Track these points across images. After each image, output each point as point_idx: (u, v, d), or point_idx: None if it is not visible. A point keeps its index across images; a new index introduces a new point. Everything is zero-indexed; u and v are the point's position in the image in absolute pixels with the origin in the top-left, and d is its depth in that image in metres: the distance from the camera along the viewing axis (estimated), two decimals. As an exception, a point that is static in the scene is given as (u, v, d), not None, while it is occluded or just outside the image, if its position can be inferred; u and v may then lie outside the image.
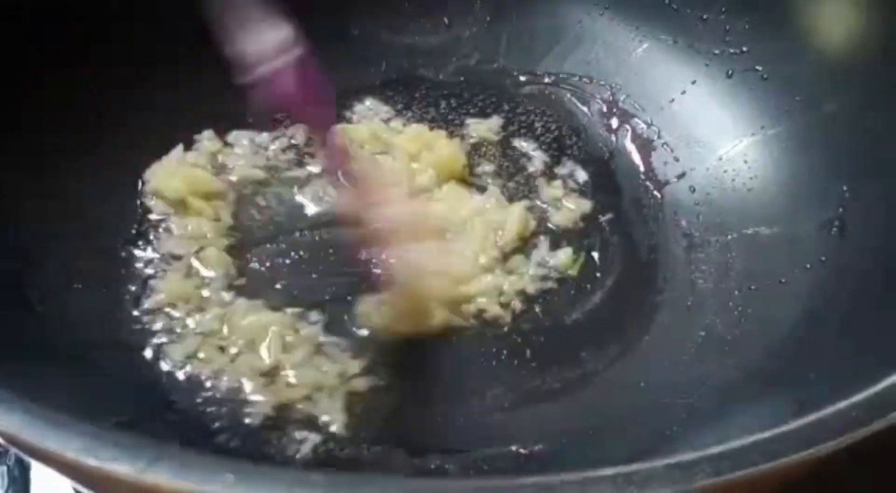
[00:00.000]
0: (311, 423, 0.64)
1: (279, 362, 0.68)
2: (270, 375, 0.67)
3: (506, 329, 0.72)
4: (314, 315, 0.71)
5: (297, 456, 0.62)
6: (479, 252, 0.75)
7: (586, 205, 0.82)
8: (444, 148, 0.82)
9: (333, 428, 0.64)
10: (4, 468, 0.66)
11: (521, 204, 0.80)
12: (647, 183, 0.84)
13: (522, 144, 0.87)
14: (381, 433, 0.64)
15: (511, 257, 0.76)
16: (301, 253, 0.76)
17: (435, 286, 0.71)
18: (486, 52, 0.94)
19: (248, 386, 0.66)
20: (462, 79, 0.92)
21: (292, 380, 0.67)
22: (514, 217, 0.78)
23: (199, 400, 0.65)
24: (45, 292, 0.65)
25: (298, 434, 0.64)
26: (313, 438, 0.63)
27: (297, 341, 0.69)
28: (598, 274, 0.76)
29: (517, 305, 0.73)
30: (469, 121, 0.88)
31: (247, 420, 0.64)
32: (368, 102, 0.89)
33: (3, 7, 0.71)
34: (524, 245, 0.77)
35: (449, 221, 0.78)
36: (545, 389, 0.68)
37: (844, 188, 0.70)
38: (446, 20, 0.95)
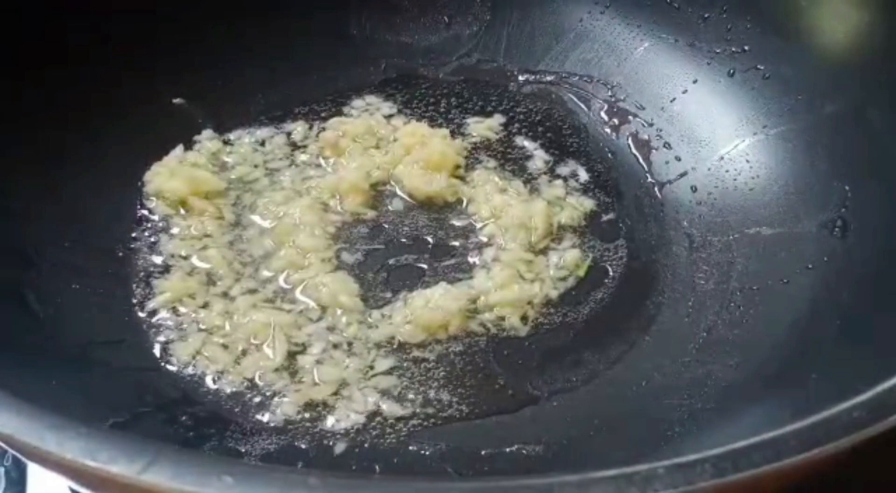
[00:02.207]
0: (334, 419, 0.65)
1: (296, 360, 0.68)
2: (291, 372, 0.67)
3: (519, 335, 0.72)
4: (317, 313, 0.71)
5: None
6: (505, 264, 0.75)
7: (588, 204, 0.81)
8: (436, 145, 0.82)
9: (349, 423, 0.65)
10: (2, 470, 0.66)
11: (542, 201, 0.80)
12: (649, 183, 0.84)
13: (524, 143, 0.87)
14: (383, 431, 0.64)
15: (536, 258, 0.76)
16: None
17: (458, 297, 0.72)
18: (486, 51, 0.94)
19: (270, 383, 0.66)
20: (462, 78, 0.92)
21: (316, 378, 0.67)
22: (540, 215, 0.78)
23: (206, 398, 0.65)
24: (43, 292, 0.65)
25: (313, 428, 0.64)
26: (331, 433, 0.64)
27: (305, 340, 0.69)
28: (599, 274, 0.76)
29: (533, 313, 0.73)
30: (469, 120, 0.88)
31: (264, 416, 0.64)
32: (369, 99, 0.89)
33: (3, 5, 0.71)
34: (547, 247, 0.77)
35: (478, 213, 0.79)
36: (547, 389, 0.68)
37: (847, 188, 0.70)
38: (446, 19, 0.94)
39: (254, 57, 0.87)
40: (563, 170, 0.84)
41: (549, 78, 0.92)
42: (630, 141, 0.87)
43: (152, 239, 0.75)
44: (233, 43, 0.85)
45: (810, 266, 0.69)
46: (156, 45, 0.81)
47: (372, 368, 0.68)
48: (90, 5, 0.76)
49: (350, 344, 0.69)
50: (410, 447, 0.63)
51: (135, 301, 0.70)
